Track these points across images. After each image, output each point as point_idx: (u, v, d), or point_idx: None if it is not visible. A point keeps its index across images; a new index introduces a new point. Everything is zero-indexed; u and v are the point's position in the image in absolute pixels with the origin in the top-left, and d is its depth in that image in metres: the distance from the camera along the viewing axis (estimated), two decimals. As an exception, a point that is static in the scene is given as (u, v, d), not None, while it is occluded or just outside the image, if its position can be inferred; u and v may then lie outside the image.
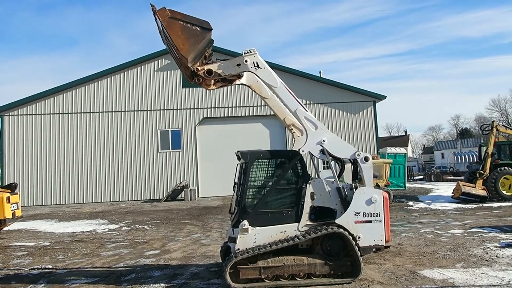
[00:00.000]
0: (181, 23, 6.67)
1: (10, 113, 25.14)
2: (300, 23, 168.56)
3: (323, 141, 7.11)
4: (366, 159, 7.11)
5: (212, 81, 7.18)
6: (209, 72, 6.97)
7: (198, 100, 26.11)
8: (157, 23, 6.99)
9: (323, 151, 7.13)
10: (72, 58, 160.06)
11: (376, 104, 27.37)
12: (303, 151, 7.08)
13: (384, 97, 27.37)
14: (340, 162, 7.51)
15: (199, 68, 6.95)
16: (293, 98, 7.27)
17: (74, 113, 25.54)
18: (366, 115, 27.07)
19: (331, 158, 7.22)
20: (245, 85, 7.26)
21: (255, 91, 7.25)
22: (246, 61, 7.04)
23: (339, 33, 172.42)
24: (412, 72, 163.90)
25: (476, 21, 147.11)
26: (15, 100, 25.35)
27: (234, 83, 7.30)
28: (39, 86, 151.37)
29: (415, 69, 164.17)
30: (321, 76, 29.36)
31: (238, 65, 7.06)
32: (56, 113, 25.44)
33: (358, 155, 7.12)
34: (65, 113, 25.48)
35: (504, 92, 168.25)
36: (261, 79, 7.13)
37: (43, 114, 25.35)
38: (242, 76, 7.23)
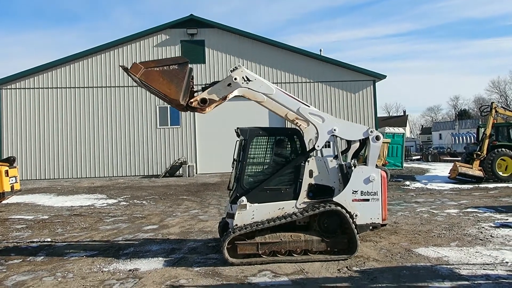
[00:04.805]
0: (158, 69, 6.70)
1: (8, 87, 24.98)
2: (304, 2, 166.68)
3: (334, 130, 7.12)
4: (377, 138, 7.14)
5: None
6: (203, 101, 6.95)
7: (197, 76, 25.90)
8: (133, 79, 6.98)
9: (335, 136, 7.20)
10: (74, 34, 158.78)
11: (376, 83, 27.27)
12: (318, 146, 7.09)
13: (384, 76, 27.24)
14: (348, 141, 7.58)
15: (192, 101, 6.94)
16: (292, 99, 7.24)
17: (73, 87, 25.39)
18: (365, 95, 26.98)
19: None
20: (239, 96, 7.18)
21: (250, 99, 7.21)
22: (235, 79, 6.97)
23: (344, 12, 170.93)
24: (414, 52, 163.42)
25: (482, 2, 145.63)
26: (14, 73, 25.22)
27: (227, 98, 7.20)
28: (41, 61, 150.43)
29: (418, 50, 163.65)
30: (321, 55, 29.15)
31: (229, 84, 6.99)
32: (55, 87, 25.29)
33: (371, 132, 7.15)
34: (64, 88, 25.34)
35: (504, 74, 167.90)
36: (255, 90, 7.08)
37: (41, 88, 25.21)
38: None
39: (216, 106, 7.15)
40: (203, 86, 7.19)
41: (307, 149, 7.14)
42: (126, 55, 25.80)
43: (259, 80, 7.13)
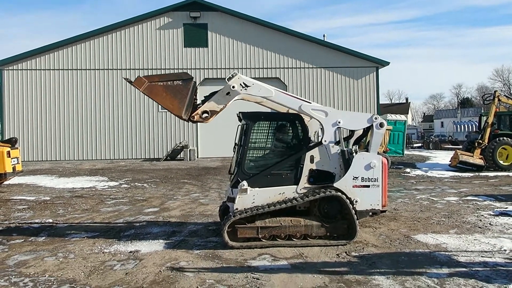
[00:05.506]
0: (162, 84, 6.79)
1: (10, 68, 24.91)
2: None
3: (339, 122, 7.08)
4: (381, 125, 7.11)
5: None
6: (205, 113, 7.00)
7: (200, 60, 25.83)
8: (138, 90, 7.06)
9: (340, 128, 7.20)
10: (77, 16, 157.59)
11: (379, 70, 27.12)
12: (325, 140, 7.06)
13: (387, 63, 27.09)
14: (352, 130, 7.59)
15: (194, 115, 7.00)
16: (293, 98, 7.22)
17: (75, 69, 25.31)
18: (368, 81, 26.85)
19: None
20: (239, 99, 7.18)
21: (249, 101, 7.21)
22: (233, 87, 6.92)
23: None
24: (418, 39, 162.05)
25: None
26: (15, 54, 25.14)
27: (227, 105, 7.18)
28: (44, 42, 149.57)
29: (422, 37, 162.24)
30: (325, 40, 28.93)
31: (228, 93, 6.98)
32: (57, 69, 25.22)
33: (376, 118, 7.12)
34: (66, 69, 25.27)
35: (508, 63, 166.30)
36: (253, 95, 7.07)
37: (43, 69, 25.14)
38: None
39: (218, 113, 7.18)
40: (202, 99, 7.18)
41: (312, 141, 7.13)
42: (128, 38, 25.66)
43: (257, 84, 7.10)
